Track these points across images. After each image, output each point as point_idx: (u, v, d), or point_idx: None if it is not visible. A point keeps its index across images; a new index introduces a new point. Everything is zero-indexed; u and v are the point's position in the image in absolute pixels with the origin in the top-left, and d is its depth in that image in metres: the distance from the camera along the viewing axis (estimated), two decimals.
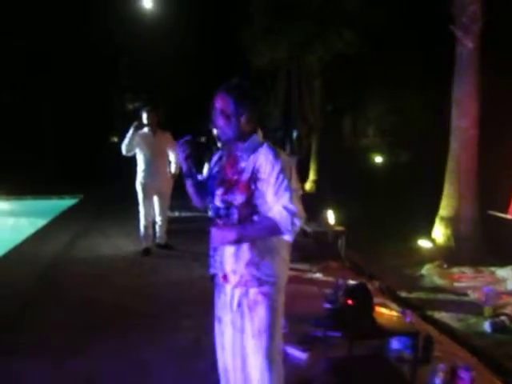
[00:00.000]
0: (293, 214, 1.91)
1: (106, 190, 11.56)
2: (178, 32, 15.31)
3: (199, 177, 2.28)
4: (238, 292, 2.08)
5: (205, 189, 2.22)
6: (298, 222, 1.93)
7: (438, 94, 7.86)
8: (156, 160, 5.70)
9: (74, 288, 4.64)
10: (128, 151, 5.60)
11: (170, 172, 5.89)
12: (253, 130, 2.07)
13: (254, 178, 1.99)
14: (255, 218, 2.01)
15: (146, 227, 5.84)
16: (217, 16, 14.58)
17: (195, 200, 2.30)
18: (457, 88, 5.99)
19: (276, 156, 1.98)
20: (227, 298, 2.12)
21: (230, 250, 2.06)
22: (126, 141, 5.53)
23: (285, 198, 1.93)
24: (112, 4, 14.73)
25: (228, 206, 2.05)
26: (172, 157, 5.86)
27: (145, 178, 5.69)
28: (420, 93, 11.37)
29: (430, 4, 6.57)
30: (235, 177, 2.06)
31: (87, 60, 15.33)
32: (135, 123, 5.56)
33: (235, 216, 2.03)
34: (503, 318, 3.87)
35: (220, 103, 2.03)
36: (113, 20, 14.99)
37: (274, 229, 1.95)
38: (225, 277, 2.10)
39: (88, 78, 15.69)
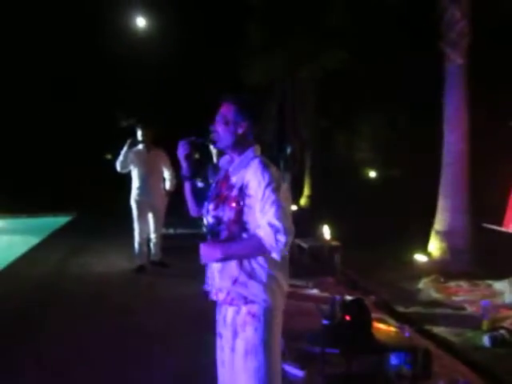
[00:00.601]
0: (276, 231, 1.86)
1: (100, 207, 11.51)
2: (171, 49, 15.46)
3: (199, 184, 2.26)
4: (230, 310, 2.05)
5: (201, 197, 2.18)
6: (284, 239, 1.86)
7: (429, 109, 7.96)
8: (150, 177, 5.69)
9: (68, 307, 4.57)
10: (122, 168, 5.59)
11: (164, 189, 5.88)
12: (249, 145, 2.06)
13: (243, 194, 1.96)
14: (244, 235, 1.98)
15: (140, 244, 5.80)
16: (210, 33, 14.76)
17: (191, 206, 2.25)
18: (446, 103, 6.08)
19: (264, 170, 1.94)
20: (221, 316, 2.10)
21: (218, 268, 2.04)
22: (121, 158, 5.54)
23: (270, 214, 1.88)
24: (103, 19, 14.87)
25: (218, 222, 2.03)
26: (167, 174, 5.86)
27: (139, 195, 5.67)
28: (412, 108, 11.50)
29: (420, 21, 6.69)
30: (226, 192, 2.03)
31: (81, 77, 15.42)
32: (130, 140, 5.57)
33: (225, 233, 2.00)
34: (502, 331, 3.85)
35: (223, 109, 2.07)
36: (106, 37, 15.13)
37: (260, 247, 1.91)
38: (216, 293, 2.08)
39: (83, 94, 15.76)
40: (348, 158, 15.35)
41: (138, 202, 5.68)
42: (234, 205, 1.98)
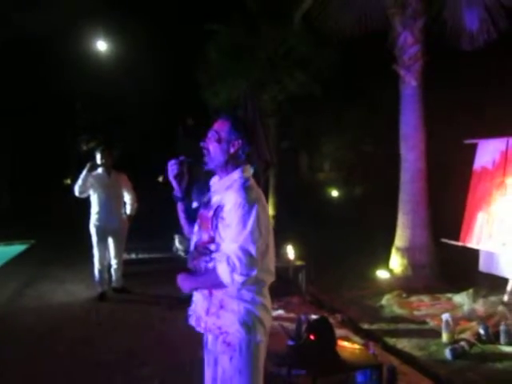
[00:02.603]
0: (233, 270, 1.79)
1: (60, 233, 11.13)
2: (134, 71, 15.41)
3: (194, 204, 2.21)
4: (210, 336, 2.02)
5: (194, 218, 2.12)
6: (240, 280, 1.79)
7: (387, 129, 8.23)
8: (111, 201, 5.57)
9: (23, 340, 4.34)
10: (81, 192, 5.44)
11: (125, 213, 5.76)
12: (239, 165, 1.99)
13: (217, 215, 1.90)
14: (207, 262, 1.94)
15: (100, 271, 5.62)
16: (175, 55, 14.81)
17: (184, 227, 2.20)
18: (403, 123, 6.30)
19: (240, 193, 1.86)
20: (204, 341, 2.08)
21: (197, 296, 2.03)
22: (79, 182, 5.39)
23: (234, 246, 1.80)
24: (65, 46, 14.68)
25: (199, 243, 2.00)
26: (127, 198, 5.76)
27: (99, 220, 5.53)
28: (371, 128, 11.87)
29: (375, 46, 6.97)
30: (205, 213, 1.99)
31: (42, 102, 15.08)
32: (89, 163, 5.45)
33: (203, 256, 1.96)
34: (462, 343, 3.95)
35: (217, 125, 2.02)
36: (67, 62, 14.92)
37: (219, 283, 1.85)
38: (196, 320, 2.04)
39: (43, 119, 15.40)
40: (311, 178, 15.61)
41: (98, 228, 5.53)
42: (209, 227, 1.93)
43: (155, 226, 9.80)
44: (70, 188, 5.72)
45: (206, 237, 1.94)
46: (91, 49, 14.25)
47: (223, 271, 1.81)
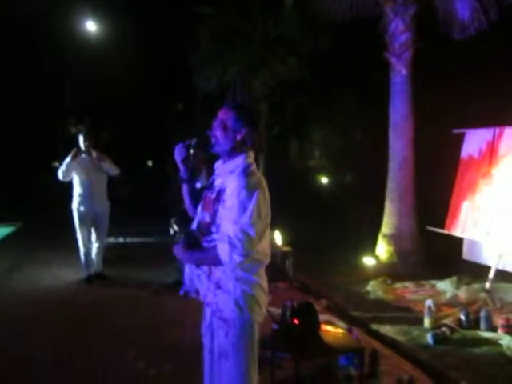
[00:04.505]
0: (233, 249, 1.86)
1: (47, 216, 11.05)
2: (124, 54, 15.17)
3: (198, 184, 2.26)
4: (208, 311, 2.11)
5: (199, 199, 2.19)
6: (238, 260, 1.87)
7: (376, 117, 8.25)
8: (93, 184, 5.50)
9: (10, 324, 4.35)
10: (64, 177, 5.41)
11: (107, 198, 5.69)
12: (244, 151, 2.04)
13: (219, 198, 1.98)
14: (208, 242, 2.01)
15: (86, 254, 5.60)
16: (165, 39, 14.60)
17: (189, 207, 2.27)
18: (392, 111, 6.32)
19: (242, 177, 1.92)
20: (203, 316, 2.17)
21: (197, 273, 2.11)
22: (64, 167, 5.35)
23: (235, 229, 1.87)
24: (54, 25, 14.39)
25: (202, 223, 2.07)
26: (112, 171, 5.64)
27: (80, 203, 5.48)
28: (361, 115, 11.88)
29: (367, 32, 6.94)
30: (209, 195, 2.07)
31: (30, 81, 14.82)
32: (74, 150, 5.39)
33: (212, 233, 2.02)
34: (444, 329, 4.04)
35: (222, 115, 2.06)
36: (56, 41, 14.63)
37: (217, 261, 1.93)
38: (197, 293, 2.15)
39: (30, 100, 15.15)
40: (300, 164, 15.62)
41: (80, 211, 5.49)
42: (211, 209, 2.01)
43: (143, 210, 9.79)
44: (56, 171, 5.65)
45: (207, 217, 2.03)
46: (80, 30, 13.97)
47: (223, 250, 1.89)
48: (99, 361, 3.55)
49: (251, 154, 2.07)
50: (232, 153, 2.04)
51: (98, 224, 5.65)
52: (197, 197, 2.20)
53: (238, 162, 2.02)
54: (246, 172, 1.96)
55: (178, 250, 2.08)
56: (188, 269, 2.19)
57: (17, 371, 3.39)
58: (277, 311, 4.02)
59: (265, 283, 2.08)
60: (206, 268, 2.07)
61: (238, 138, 2.02)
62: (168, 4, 13.38)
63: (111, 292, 5.36)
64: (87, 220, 5.55)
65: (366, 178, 10.59)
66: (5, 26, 13.18)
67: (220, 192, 1.98)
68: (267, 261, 2.08)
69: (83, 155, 5.48)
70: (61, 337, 4.02)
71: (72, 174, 5.45)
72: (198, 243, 2.05)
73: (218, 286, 2.01)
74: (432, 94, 8.95)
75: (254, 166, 2.03)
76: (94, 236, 5.70)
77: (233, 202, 1.89)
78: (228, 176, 2.00)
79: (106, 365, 3.48)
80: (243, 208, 1.87)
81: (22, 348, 3.80)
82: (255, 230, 1.87)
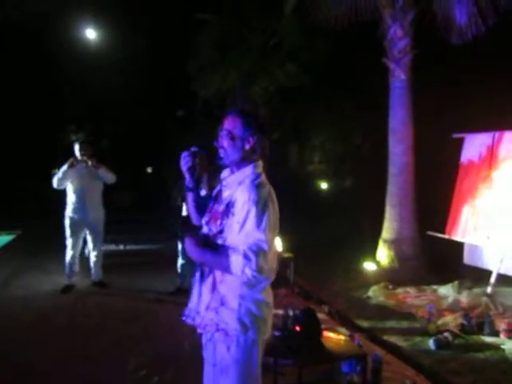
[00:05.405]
0: (246, 264, 1.78)
1: (47, 224, 11.02)
2: (123, 61, 15.21)
3: (202, 192, 2.18)
4: (205, 336, 2.03)
5: (203, 207, 2.11)
6: (250, 275, 1.78)
7: (376, 122, 8.26)
8: (86, 193, 5.45)
9: (9, 330, 4.32)
10: (59, 185, 5.38)
11: (103, 206, 5.66)
12: (252, 160, 1.96)
13: (228, 211, 1.89)
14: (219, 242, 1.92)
15: (70, 264, 5.55)
16: (165, 46, 14.65)
17: (193, 216, 2.18)
18: (392, 117, 6.33)
19: (252, 190, 1.84)
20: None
21: (197, 292, 2.00)
22: (59, 175, 5.31)
23: (248, 243, 1.79)
24: (53, 33, 14.44)
25: (208, 235, 1.98)
26: (108, 178, 5.58)
27: (74, 210, 5.44)
28: (360, 121, 11.90)
29: (366, 38, 6.97)
30: (216, 206, 1.99)
31: (30, 89, 14.85)
32: (71, 160, 5.36)
33: (217, 244, 1.94)
34: (446, 334, 4.02)
35: (228, 124, 1.96)
36: (56, 49, 14.68)
37: (227, 269, 1.85)
38: (193, 317, 2.02)
39: (30, 107, 15.18)
40: (300, 169, 15.63)
41: (72, 220, 5.45)
42: (218, 221, 1.92)
43: (142, 217, 9.78)
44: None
45: (214, 230, 1.94)
46: (80, 38, 14.02)
47: (237, 262, 1.80)
48: (98, 369, 3.52)
49: (260, 164, 1.98)
50: (241, 163, 1.96)
51: (92, 232, 5.61)
52: (202, 205, 2.13)
53: (247, 172, 1.94)
54: (256, 184, 1.88)
55: (190, 244, 1.95)
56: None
57: (15, 379, 3.37)
58: (277, 318, 4.01)
59: (270, 299, 1.99)
60: (199, 274, 1.98)
61: (247, 147, 1.94)
62: (168, 11, 13.43)
63: (111, 300, 5.33)
64: (79, 228, 5.51)
65: (366, 183, 10.58)
66: (4, 34, 13.22)
67: (229, 205, 1.90)
68: (273, 277, 1.98)
69: (79, 164, 5.46)
70: (60, 344, 4.00)
71: (67, 182, 5.42)
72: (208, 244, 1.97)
73: (223, 303, 1.92)
74: (431, 98, 8.96)
75: (263, 177, 1.95)
76: (90, 245, 5.66)
77: (243, 216, 1.82)
78: (237, 187, 1.92)
79: (106, 373, 3.45)
80: (256, 222, 1.80)
81: (21, 355, 3.77)
82: (268, 244, 1.82)
